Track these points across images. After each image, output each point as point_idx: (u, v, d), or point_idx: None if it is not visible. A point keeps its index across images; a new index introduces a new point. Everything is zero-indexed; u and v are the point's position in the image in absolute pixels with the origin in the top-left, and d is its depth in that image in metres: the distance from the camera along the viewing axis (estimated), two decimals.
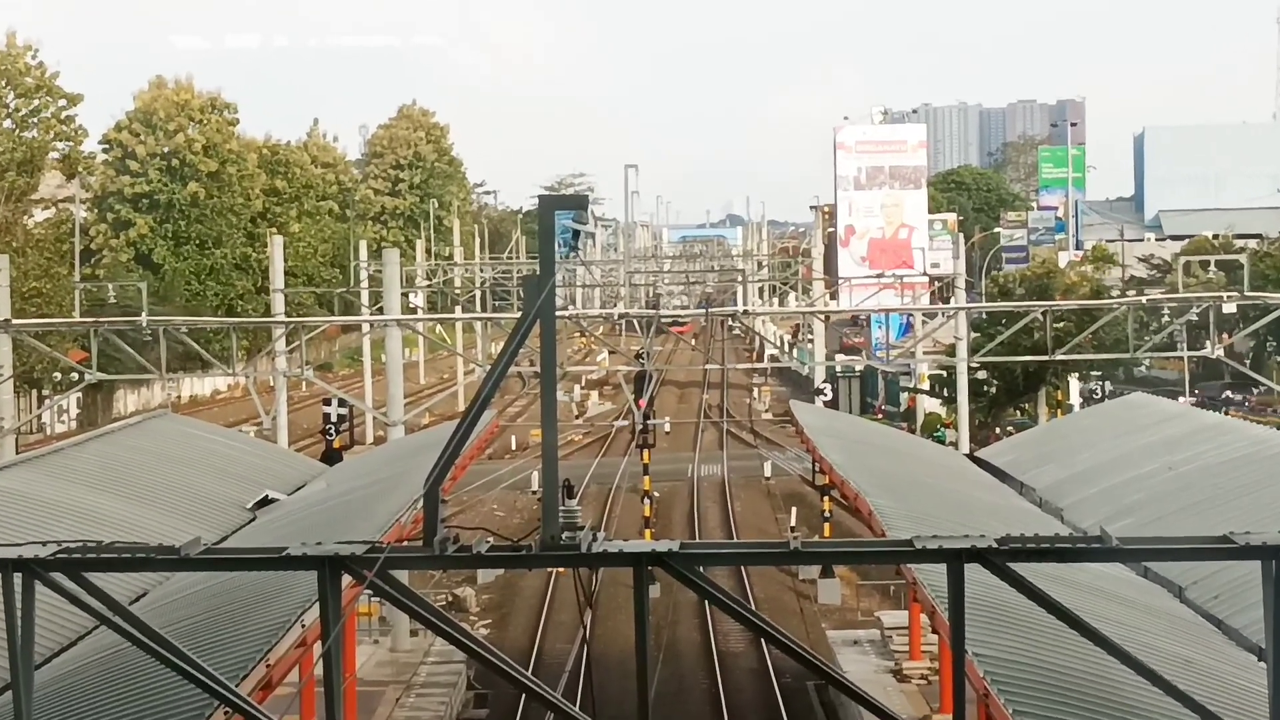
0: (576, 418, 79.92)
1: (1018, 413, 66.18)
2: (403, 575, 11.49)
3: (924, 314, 70.54)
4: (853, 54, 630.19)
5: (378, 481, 28.83)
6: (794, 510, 48.84)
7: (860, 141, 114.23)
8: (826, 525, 42.95)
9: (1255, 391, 74.88)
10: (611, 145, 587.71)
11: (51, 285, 79.22)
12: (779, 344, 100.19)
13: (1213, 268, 71.01)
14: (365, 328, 76.21)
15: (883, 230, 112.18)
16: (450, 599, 39.29)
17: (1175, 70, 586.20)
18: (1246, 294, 44.70)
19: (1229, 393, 75.71)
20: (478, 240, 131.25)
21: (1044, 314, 47.83)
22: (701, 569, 10.14)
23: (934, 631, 25.05)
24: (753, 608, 10.67)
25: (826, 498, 42.50)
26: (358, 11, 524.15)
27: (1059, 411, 60.42)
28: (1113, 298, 65.14)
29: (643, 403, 47.58)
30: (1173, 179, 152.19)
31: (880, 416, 72.83)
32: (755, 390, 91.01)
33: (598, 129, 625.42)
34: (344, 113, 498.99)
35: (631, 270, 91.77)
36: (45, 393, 73.83)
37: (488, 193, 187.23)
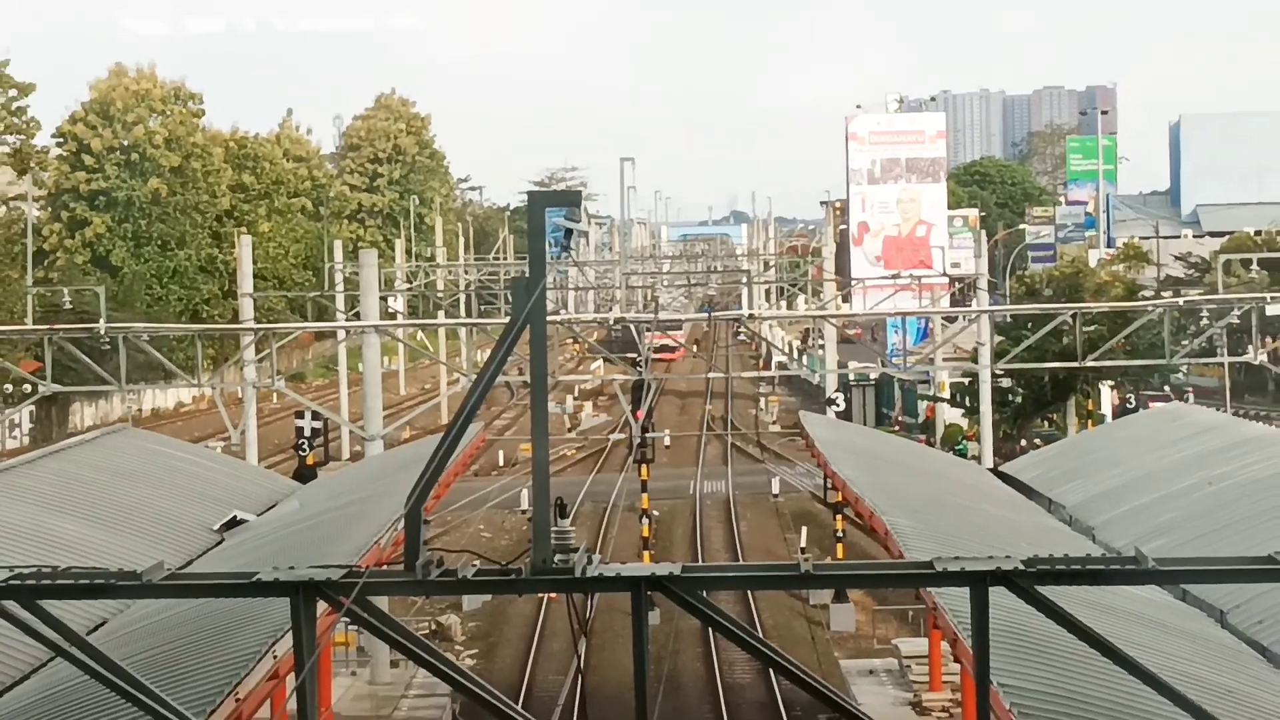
0: (569, 431, 79.94)
1: (1045, 424, 66.22)
2: (382, 602, 11.48)
3: (944, 317, 70.61)
4: (866, 38, 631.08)
5: (355, 501, 28.84)
6: (804, 530, 48.87)
7: (874, 132, 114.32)
8: (839, 546, 42.95)
9: None
10: (606, 137, 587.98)
11: (1, 289, 79.24)
12: (787, 350, 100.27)
13: (1255, 267, 70.96)
14: (341, 335, 76.17)
15: (899, 227, 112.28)
16: (434, 627, 39.30)
17: (1214, 52, 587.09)
18: None
19: None
20: (462, 240, 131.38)
21: (1073, 317, 47.88)
22: (705, 593, 10.14)
23: (956, 660, 25.03)
24: (760, 635, 10.68)
25: (839, 516, 42.51)
26: None
27: (1090, 422, 60.44)
28: (1147, 299, 65.21)
29: (641, 414, 47.55)
30: (1212, 171, 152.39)
31: (897, 428, 72.87)
32: (762, 400, 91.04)
33: (591, 119, 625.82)
34: (317, 103, 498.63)
35: (628, 271, 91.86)
36: None
37: (473, 188, 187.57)
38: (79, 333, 46.20)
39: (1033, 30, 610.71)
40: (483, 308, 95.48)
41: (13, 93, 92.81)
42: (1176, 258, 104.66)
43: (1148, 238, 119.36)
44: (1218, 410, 47.91)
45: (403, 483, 18.99)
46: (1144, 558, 9.87)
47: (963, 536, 23.55)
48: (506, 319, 10.45)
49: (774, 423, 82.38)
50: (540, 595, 38.30)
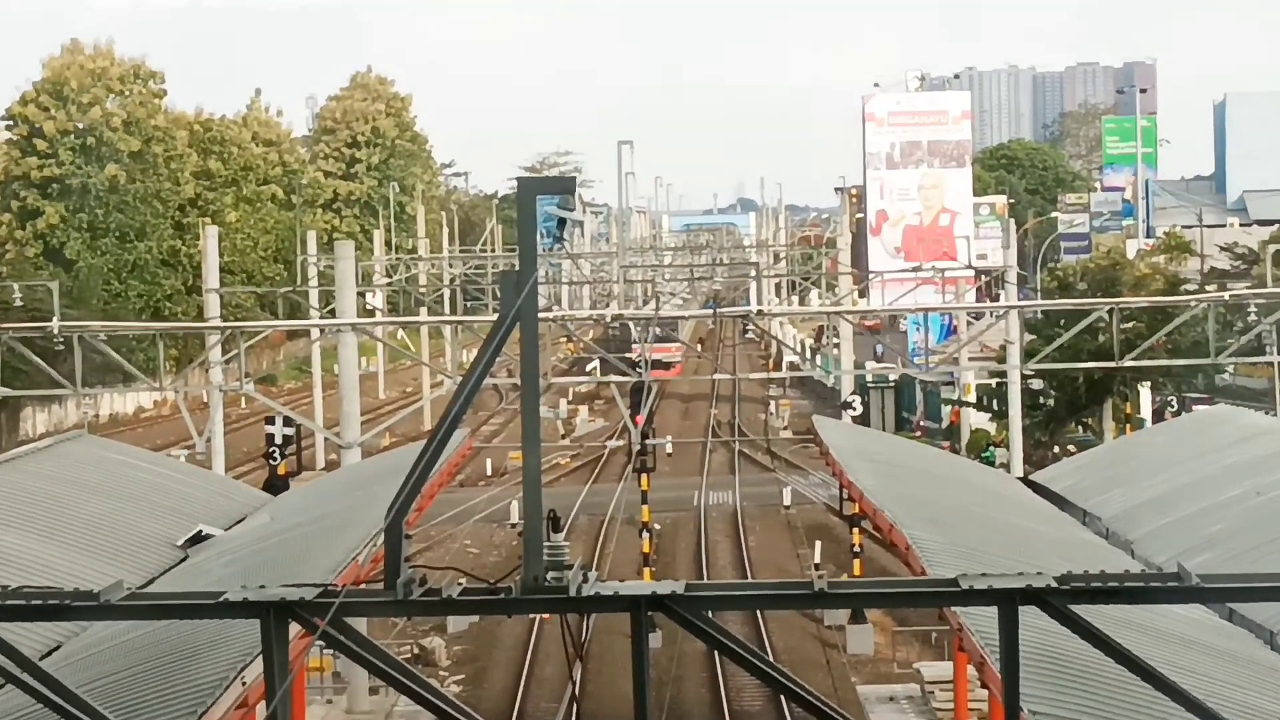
0: (563, 437, 79.99)
1: (1079, 429, 66.29)
2: (360, 624, 11.50)
3: (969, 314, 70.73)
4: (884, 10, 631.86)
5: (330, 514, 28.86)
6: (818, 545, 48.90)
7: (894, 112, 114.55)
8: (856, 562, 42.98)
9: None
10: (602, 118, 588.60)
11: None
12: (799, 350, 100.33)
13: None
14: (315, 333, 76.27)
15: (920, 216, 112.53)
16: (416, 650, 39.33)
17: (1263, 24, 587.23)
18: None
19: None
20: (446, 230, 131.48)
21: (1110, 313, 47.95)
22: (710, 614, 10.15)
23: (983, 686, 25.06)
24: (770, 659, 10.69)
25: (856, 529, 42.53)
26: None
27: (1128, 427, 60.51)
28: (1190, 293, 65.28)
29: (640, 419, 47.59)
30: (1260, 154, 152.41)
31: (919, 434, 72.94)
32: (772, 404, 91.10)
33: (586, 100, 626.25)
34: (289, 82, 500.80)
35: (626, 264, 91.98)
36: None
37: (457, 174, 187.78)
38: (30, 332, 46.28)
39: (1066, 1, 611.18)
40: (469, 304, 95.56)
41: None
42: (1222, 248, 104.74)
43: (1190, 226, 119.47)
44: (1266, 414, 47.95)
45: (382, 494, 19.01)
46: (1187, 574, 9.88)
47: (990, 551, 23.56)
48: (495, 316, 10.47)
49: (785, 428, 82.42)
50: (532, 616, 38.35)
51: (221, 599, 10.17)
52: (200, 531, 29.60)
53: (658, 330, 63.02)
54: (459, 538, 53.37)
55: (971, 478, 39.11)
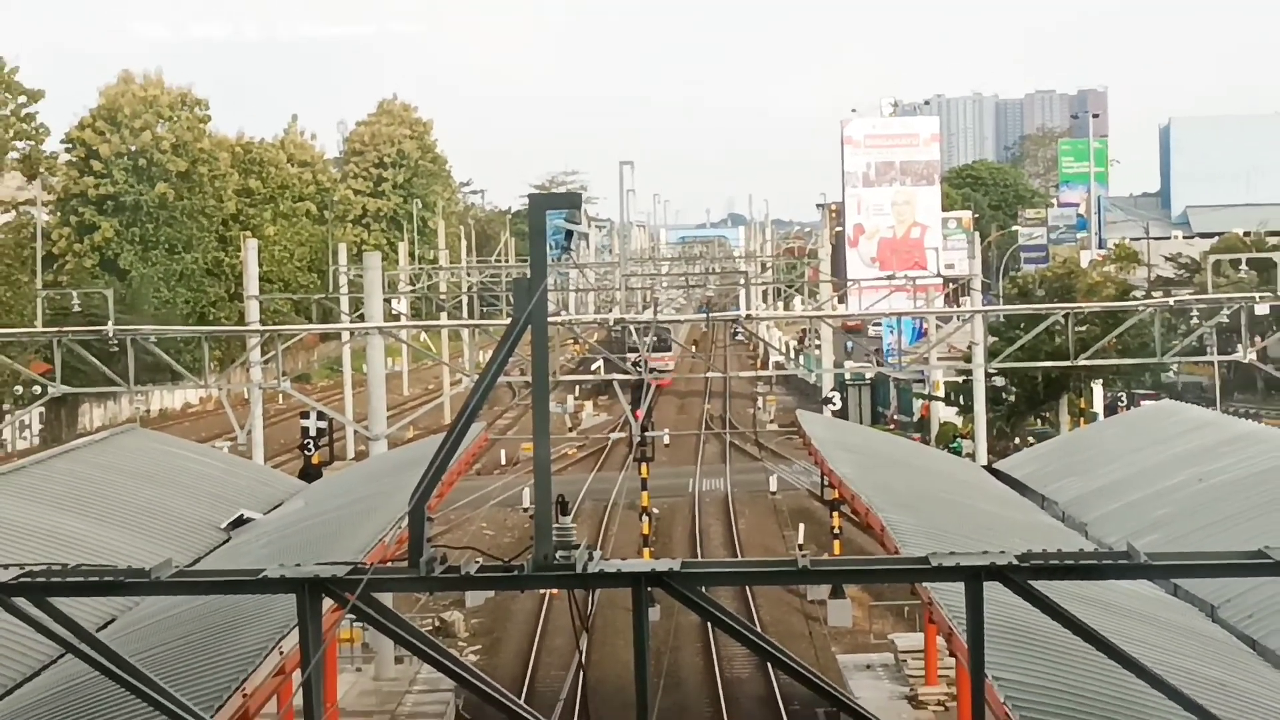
0: (570, 430, 79.89)
1: (1038, 422, 66.23)
2: (387, 598, 11.48)
3: (938, 318, 70.65)
4: (860, 42, 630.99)
5: (359, 499, 28.84)
6: (802, 527, 48.85)
7: (869, 135, 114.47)
8: (836, 543, 42.93)
9: None
10: (605, 140, 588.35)
11: (12, 293, 79.32)
12: (784, 350, 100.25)
13: (1244, 267, 71.05)
14: (345, 336, 76.20)
15: (893, 229, 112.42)
16: (437, 623, 39.28)
17: (1202, 54, 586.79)
18: None
19: None
20: (464, 242, 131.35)
21: (1065, 317, 47.92)
22: (704, 589, 10.14)
23: (951, 654, 25.02)
24: (758, 630, 10.67)
25: (836, 513, 42.49)
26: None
27: (1082, 420, 60.45)
28: (1138, 299, 65.20)
29: (640, 414, 47.54)
30: (1201, 173, 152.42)
31: (893, 427, 72.86)
32: (760, 400, 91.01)
33: (591, 123, 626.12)
34: (321, 108, 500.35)
35: (627, 273, 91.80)
36: (6, 407, 73.80)
37: (474, 192, 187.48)
38: (88, 335, 46.21)
39: (1025, 34, 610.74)
40: (485, 309, 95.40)
41: (22, 99, 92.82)
42: (1167, 258, 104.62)
43: (1139, 239, 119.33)
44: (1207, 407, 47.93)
45: (406, 481, 19.00)
46: (1136, 552, 9.87)
47: (958, 532, 23.55)
48: (508, 320, 10.45)
49: (771, 421, 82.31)
50: (542, 591, 38.32)
51: (261, 576, 10.16)
52: (241, 515, 29.60)
53: (655, 338, 62.77)
54: (476, 521, 53.34)
55: (940, 466, 39.10)
